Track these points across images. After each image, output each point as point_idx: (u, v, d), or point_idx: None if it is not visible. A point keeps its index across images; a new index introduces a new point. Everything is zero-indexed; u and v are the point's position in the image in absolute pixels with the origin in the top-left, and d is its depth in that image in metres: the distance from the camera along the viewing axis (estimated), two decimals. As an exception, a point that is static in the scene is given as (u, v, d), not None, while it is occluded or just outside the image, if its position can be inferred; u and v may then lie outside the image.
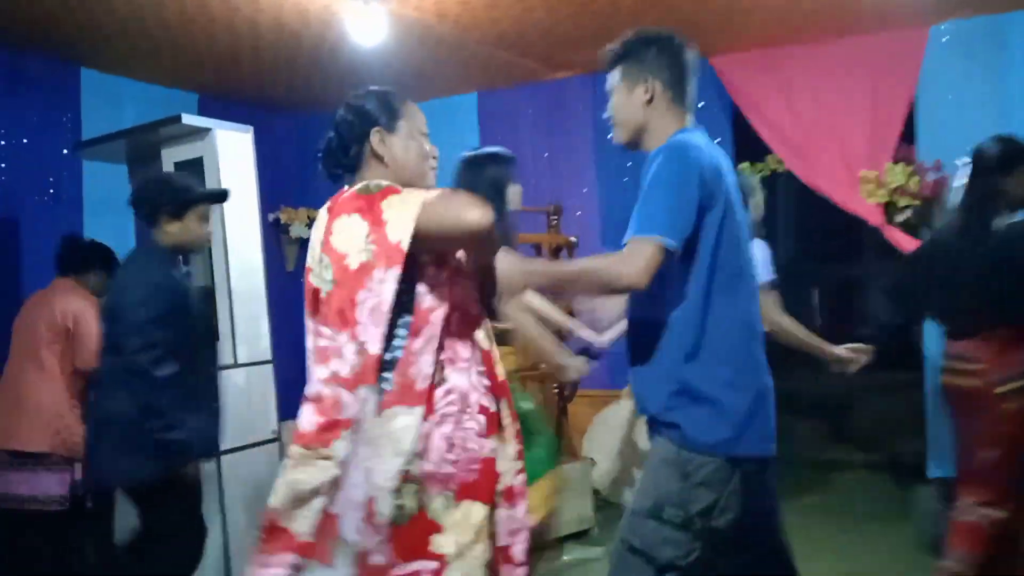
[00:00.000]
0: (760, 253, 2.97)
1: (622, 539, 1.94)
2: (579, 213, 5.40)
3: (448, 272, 1.76)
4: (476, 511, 1.72)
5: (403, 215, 1.63)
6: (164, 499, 2.74)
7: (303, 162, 5.91)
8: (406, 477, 1.66)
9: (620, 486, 5.00)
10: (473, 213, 1.61)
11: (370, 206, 1.68)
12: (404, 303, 1.70)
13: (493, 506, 1.77)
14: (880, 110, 4.66)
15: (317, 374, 1.72)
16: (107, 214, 4.41)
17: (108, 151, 4.05)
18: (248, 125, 3.84)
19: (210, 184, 3.65)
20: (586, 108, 5.46)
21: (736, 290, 1.88)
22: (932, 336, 4.60)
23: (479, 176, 3.09)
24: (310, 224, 5.77)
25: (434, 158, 1.92)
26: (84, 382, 3.43)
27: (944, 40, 4.56)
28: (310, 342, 1.78)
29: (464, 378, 1.74)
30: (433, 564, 1.66)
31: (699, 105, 5.22)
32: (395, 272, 1.63)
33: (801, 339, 3.04)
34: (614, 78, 2.09)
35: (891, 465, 5.67)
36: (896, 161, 4.57)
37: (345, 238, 1.69)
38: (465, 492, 1.71)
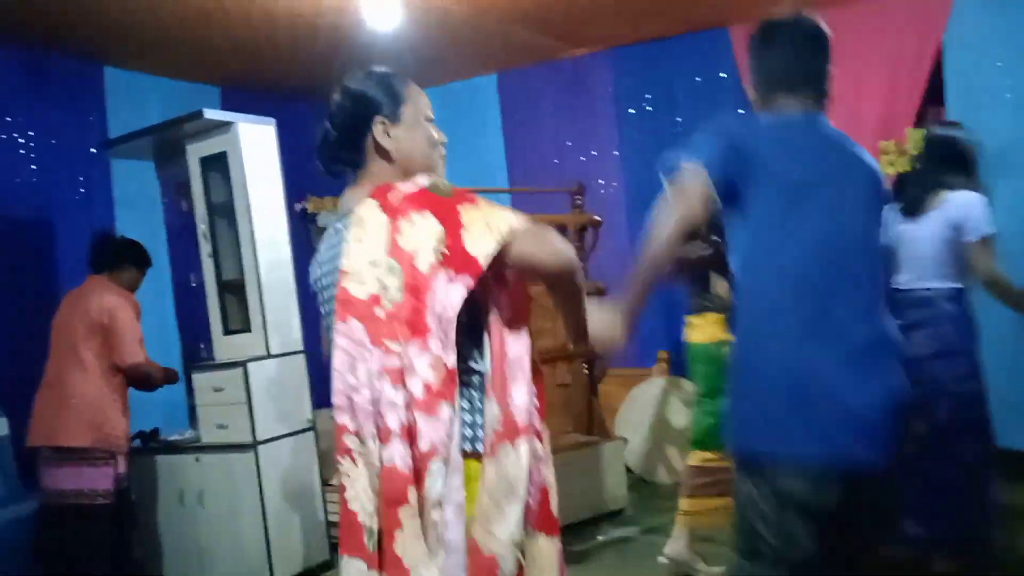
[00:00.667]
0: (977, 207, 2.96)
1: None
2: (603, 192, 5.37)
3: (513, 295, 1.63)
4: (546, 545, 1.60)
5: (486, 231, 1.49)
6: None
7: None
8: None
9: (653, 464, 5.00)
10: (567, 253, 1.56)
11: (446, 208, 1.52)
12: (477, 322, 1.59)
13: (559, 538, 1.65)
14: (903, 74, 4.57)
15: (395, 398, 1.48)
16: (137, 210, 4.48)
17: (134, 148, 4.10)
18: (270, 117, 3.86)
19: (235, 176, 3.68)
20: (608, 84, 5.42)
21: (778, 270, 1.69)
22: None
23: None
24: (336, 212, 5.79)
25: (443, 144, 1.73)
26: (122, 377, 3.49)
27: (972, -2, 4.46)
28: (339, 360, 1.54)
29: (527, 399, 1.59)
30: None
31: (721, 76, 5.24)
32: (466, 281, 1.48)
33: (1015, 293, 3.03)
34: None
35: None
36: (923, 124, 4.48)
37: (415, 236, 1.49)
38: (536, 523, 1.58)
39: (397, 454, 1.47)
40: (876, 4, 4.61)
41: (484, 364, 1.59)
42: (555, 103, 5.60)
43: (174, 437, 3.84)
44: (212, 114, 3.69)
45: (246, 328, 3.69)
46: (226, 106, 4.89)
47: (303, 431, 3.74)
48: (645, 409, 5.03)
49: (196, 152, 3.82)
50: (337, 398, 1.55)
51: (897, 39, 4.59)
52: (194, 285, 3.89)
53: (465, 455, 1.53)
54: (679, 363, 5.08)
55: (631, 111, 5.38)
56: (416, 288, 1.48)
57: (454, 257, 1.48)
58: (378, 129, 1.63)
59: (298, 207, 5.62)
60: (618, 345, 1.75)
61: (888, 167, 4.49)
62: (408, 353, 1.47)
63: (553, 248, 1.55)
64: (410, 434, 1.47)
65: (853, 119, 4.60)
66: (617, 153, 5.42)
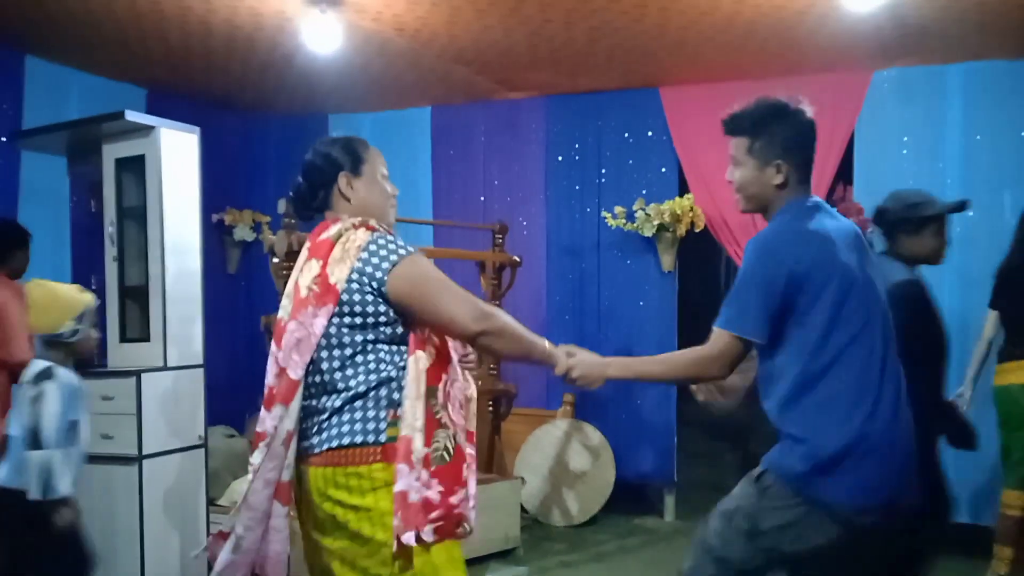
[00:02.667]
0: None
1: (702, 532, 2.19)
2: (525, 233, 5.45)
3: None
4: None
5: (344, 260, 1.89)
6: None
7: (252, 164, 5.86)
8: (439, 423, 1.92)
9: (549, 506, 5.03)
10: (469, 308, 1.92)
11: (328, 249, 1.92)
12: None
13: None
14: (818, 150, 4.75)
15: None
16: (43, 206, 4.33)
17: (48, 142, 3.97)
18: (195, 125, 3.79)
19: (151, 181, 3.60)
20: (539, 130, 5.52)
21: (856, 347, 1.99)
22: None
23: None
24: (255, 227, 5.71)
25: (394, 196, 2.12)
26: (6, 374, 3.34)
27: (886, 86, 4.72)
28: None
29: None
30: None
31: (648, 134, 5.41)
32: (328, 310, 1.87)
33: None
34: (741, 149, 2.16)
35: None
36: (832, 202, 4.70)
37: (305, 276, 1.93)
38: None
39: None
40: (797, 81, 4.83)
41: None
42: (486, 142, 5.67)
43: (55, 443, 3.68)
44: (134, 116, 3.60)
45: (144, 337, 3.59)
46: (151, 109, 4.79)
47: (193, 448, 3.63)
48: (546, 451, 5.07)
49: (113, 152, 3.72)
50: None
51: (815, 116, 4.78)
52: (94, 288, 3.77)
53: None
54: (584, 407, 5.16)
55: (559, 158, 5.49)
56: (293, 314, 1.93)
57: (321, 290, 1.88)
58: (342, 181, 2.03)
59: (215, 218, 5.54)
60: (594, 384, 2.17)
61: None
62: (275, 359, 1.94)
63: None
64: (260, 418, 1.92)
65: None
66: (542, 197, 5.51)
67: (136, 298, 3.65)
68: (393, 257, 1.88)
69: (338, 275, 1.86)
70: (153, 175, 3.60)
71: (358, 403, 1.87)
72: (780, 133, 2.13)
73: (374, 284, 1.86)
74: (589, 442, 5.05)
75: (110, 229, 3.69)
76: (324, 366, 1.89)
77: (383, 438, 1.86)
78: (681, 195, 5.07)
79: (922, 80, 4.64)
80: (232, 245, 5.73)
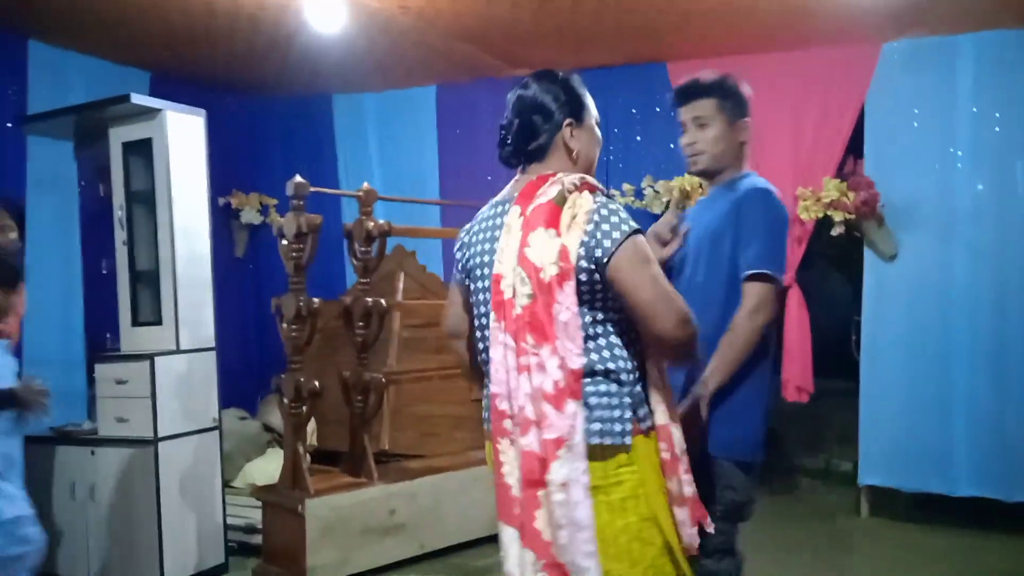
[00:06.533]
0: None
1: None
2: (533, 211, 5.42)
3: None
4: None
5: (573, 233, 1.67)
6: None
7: (257, 146, 5.83)
8: None
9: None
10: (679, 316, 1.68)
11: (556, 216, 1.68)
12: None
13: None
14: (828, 124, 4.74)
15: (523, 388, 1.67)
16: (51, 191, 4.30)
17: (54, 127, 3.97)
18: (201, 108, 3.78)
19: (158, 165, 3.59)
20: (544, 107, 5.46)
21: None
22: (868, 345, 4.72)
23: None
24: (262, 210, 5.69)
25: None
26: None
27: (896, 58, 4.66)
28: (499, 353, 1.71)
29: None
30: None
31: (656, 110, 5.33)
32: (570, 284, 1.65)
33: None
34: (709, 109, 2.20)
35: (825, 472, 5.80)
36: (842, 175, 4.66)
37: (539, 250, 1.66)
38: None
39: (534, 440, 1.65)
40: (807, 54, 4.78)
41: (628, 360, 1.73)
42: (492, 120, 5.56)
43: (70, 427, 3.70)
44: (139, 99, 3.61)
45: (157, 321, 3.60)
46: (155, 92, 4.75)
47: (207, 430, 3.66)
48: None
49: (119, 136, 3.72)
50: (497, 387, 1.72)
51: (824, 90, 4.76)
52: (105, 273, 3.78)
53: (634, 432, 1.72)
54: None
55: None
56: (541, 297, 1.65)
57: (565, 265, 1.65)
58: (567, 131, 1.80)
59: (222, 201, 5.52)
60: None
61: (803, 213, 4.65)
62: (541, 354, 1.64)
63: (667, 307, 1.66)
64: (540, 424, 1.64)
65: (776, 163, 4.76)
66: (549, 175, 5.47)
67: (147, 282, 3.66)
68: (625, 227, 1.67)
69: (572, 247, 1.65)
70: (161, 158, 3.60)
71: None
72: (742, 96, 2.23)
73: (602, 260, 1.66)
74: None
75: (119, 213, 3.69)
76: None
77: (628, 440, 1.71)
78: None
79: (933, 51, 4.58)
80: (239, 228, 5.72)
